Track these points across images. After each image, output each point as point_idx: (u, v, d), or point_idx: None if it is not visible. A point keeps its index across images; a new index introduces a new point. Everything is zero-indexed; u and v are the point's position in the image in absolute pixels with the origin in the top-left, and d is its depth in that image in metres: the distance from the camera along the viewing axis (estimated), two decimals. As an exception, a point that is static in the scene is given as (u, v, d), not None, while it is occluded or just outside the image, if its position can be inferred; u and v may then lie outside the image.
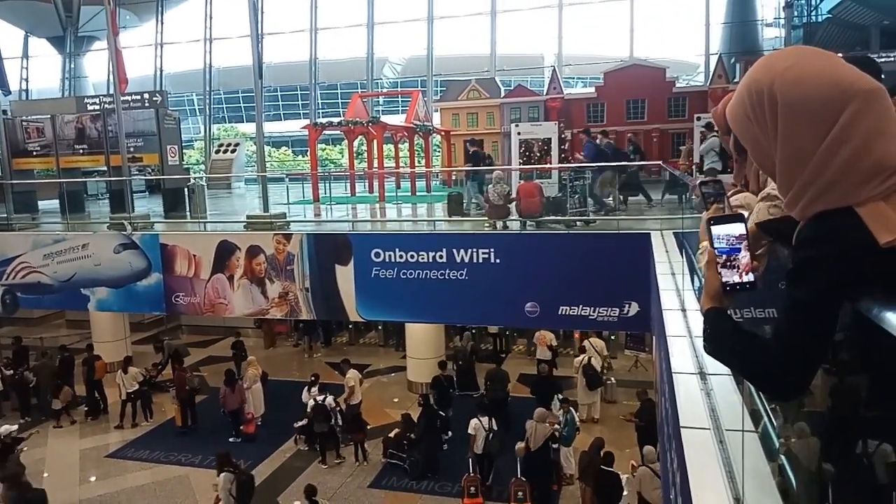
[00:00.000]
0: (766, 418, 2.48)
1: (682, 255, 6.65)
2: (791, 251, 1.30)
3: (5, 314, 14.13)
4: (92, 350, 15.55)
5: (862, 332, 1.21)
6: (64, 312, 20.72)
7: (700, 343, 3.62)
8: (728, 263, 1.42)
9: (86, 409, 14.78)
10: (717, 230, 1.44)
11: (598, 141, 13.20)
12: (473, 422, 11.22)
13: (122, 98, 15.19)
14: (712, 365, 3.24)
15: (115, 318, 17.07)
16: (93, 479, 11.88)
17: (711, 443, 2.54)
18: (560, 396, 12.34)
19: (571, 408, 11.70)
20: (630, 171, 13.06)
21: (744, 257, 1.41)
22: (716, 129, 13.41)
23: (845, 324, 1.24)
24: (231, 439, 13.10)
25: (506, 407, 13.16)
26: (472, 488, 10.38)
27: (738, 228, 1.43)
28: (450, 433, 12.32)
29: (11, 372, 15.10)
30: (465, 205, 12.48)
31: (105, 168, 16.47)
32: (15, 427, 10.66)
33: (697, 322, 4.17)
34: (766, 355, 1.30)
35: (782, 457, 2.27)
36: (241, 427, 13.36)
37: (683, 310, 4.59)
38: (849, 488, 1.83)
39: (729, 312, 1.46)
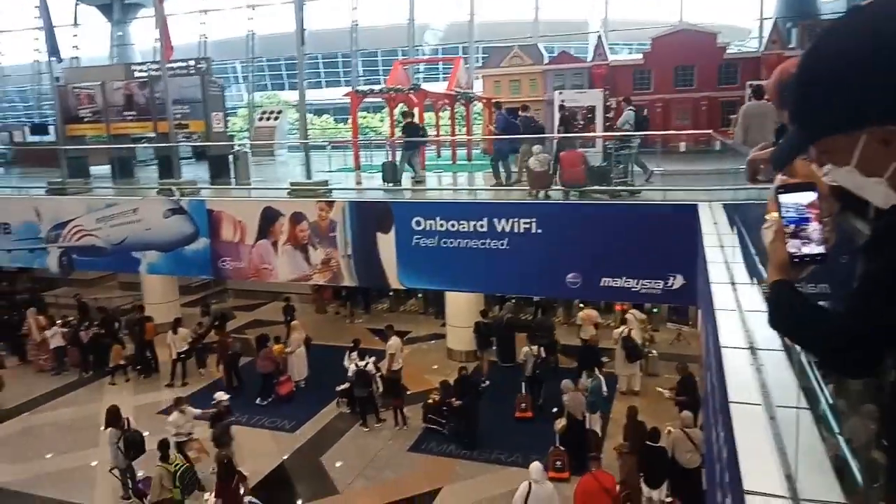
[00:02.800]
0: (822, 395, 2.42)
1: (731, 227, 6.49)
2: (870, 221, 1.25)
3: (62, 275, 14.74)
4: (143, 311, 16.10)
5: None
6: (116, 274, 21.47)
7: (751, 316, 3.57)
8: (797, 234, 1.37)
9: (138, 367, 15.40)
10: (785, 199, 1.39)
11: (522, 114, 13.43)
12: (524, 349, 13.09)
13: (167, 65, 15.43)
14: (763, 340, 3.17)
15: (166, 280, 17.63)
16: (146, 433, 12.39)
17: (762, 419, 2.49)
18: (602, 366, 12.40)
19: (599, 375, 11.67)
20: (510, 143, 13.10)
21: (814, 228, 1.36)
22: (633, 105, 12.83)
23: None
24: (258, 401, 13.51)
25: (554, 350, 14.01)
26: (559, 462, 10.31)
27: (808, 197, 1.37)
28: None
29: (74, 329, 15.84)
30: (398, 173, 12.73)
31: (153, 134, 16.84)
32: (227, 396, 10.93)
33: (747, 296, 4.10)
34: (839, 329, 1.26)
35: (839, 436, 2.22)
36: (276, 389, 13.71)
37: (733, 283, 4.49)
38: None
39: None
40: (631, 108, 13.75)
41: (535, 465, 8.41)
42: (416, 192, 12.84)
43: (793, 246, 1.37)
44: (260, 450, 11.73)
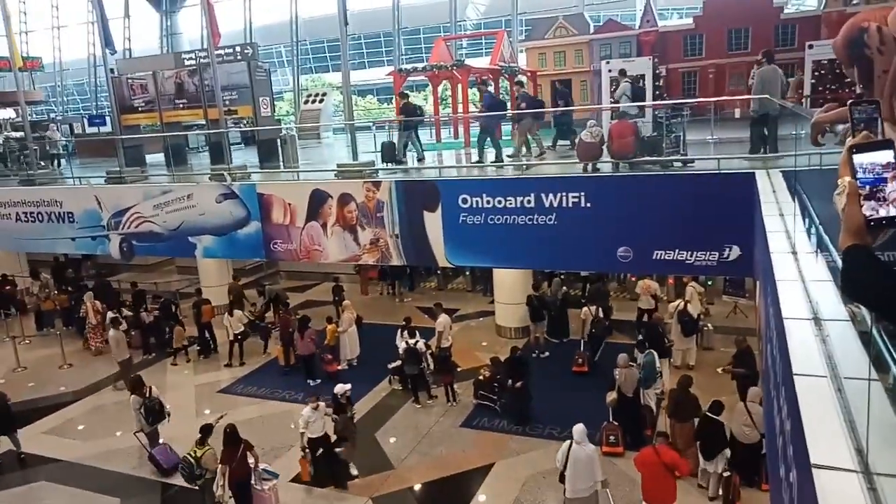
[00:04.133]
0: (894, 366, 2.30)
1: (792, 194, 6.23)
2: None
3: (123, 260, 15.30)
4: (200, 294, 16.65)
5: None
6: (174, 259, 22.23)
7: (814, 287, 3.43)
8: (873, 195, 1.28)
9: (198, 348, 15.97)
10: (860, 159, 1.30)
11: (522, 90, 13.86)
12: (584, 309, 14.35)
13: (215, 52, 15.69)
14: (827, 310, 3.05)
15: (220, 263, 18.16)
16: (207, 411, 12.91)
17: (828, 391, 2.40)
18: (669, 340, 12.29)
19: (652, 350, 11.48)
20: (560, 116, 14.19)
21: (892, 189, 1.27)
22: (628, 77, 12.67)
23: None
24: (309, 381, 13.81)
25: (609, 313, 14.62)
26: (612, 437, 10.34)
27: (885, 156, 1.29)
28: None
29: (132, 313, 16.51)
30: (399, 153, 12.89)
31: (203, 121, 17.22)
32: (348, 386, 10.67)
33: (809, 265, 3.93)
34: None
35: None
36: (324, 368, 14.02)
37: (794, 253, 4.32)
38: None
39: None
40: (627, 79, 14.15)
41: (578, 427, 8.45)
42: (460, 169, 12.79)
43: (868, 208, 1.29)
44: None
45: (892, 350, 2.37)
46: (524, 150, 12.50)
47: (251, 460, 9.28)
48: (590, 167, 10.45)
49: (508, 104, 15.72)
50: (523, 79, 17.67)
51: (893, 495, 1.76)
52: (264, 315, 16.38)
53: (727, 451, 9.10)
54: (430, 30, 35.53)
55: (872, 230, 1.30)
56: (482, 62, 22.53)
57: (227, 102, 15.98)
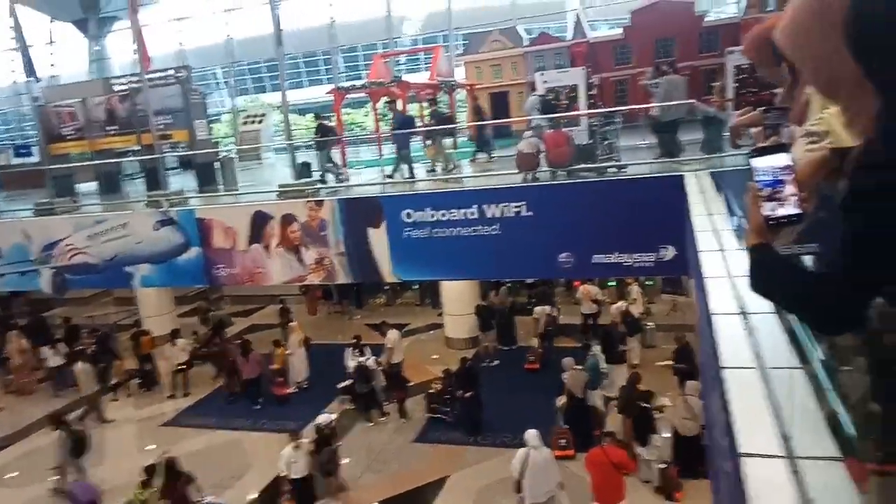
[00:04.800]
0: (814, 354, 2.42)
1: (719, 195, 6.49)
2: (848, 177, 1.23)
3: (57, 295, 14.68)
4: (140, 325, 16.06)
5: None
6: (111, 290, 21.40)
7: (740, 282, 3.58)
8: (772, 196, 1.36)
9: (139, 381, 15.38)
10: (757, 163, 1.38)
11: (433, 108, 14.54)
12: (538, 308, 14.90)
13: (147, 76, 15.31)
14: (753, 304, 3.18)
15: (161, 292, 17.57)
16: (152, 446, 12.42)
17: (756, 382, 2.50)
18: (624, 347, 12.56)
19: (597, 353, 11.76)
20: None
21: (789, 189, 1.35)
22: (536, 91, 13.45)
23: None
24: (255, 407, 13.57)
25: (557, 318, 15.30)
26: (563, 441, 10.44)
27: (781, 159, 1.36)
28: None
29: (68, 350, 15.79)
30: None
31: (137, 147, 16.72)
32: (334, 416, 10.37)
33: (736, 262, 4.10)
34: (820, 287, 1.25)
35: (832, 393, 2.22)
36: (272, 390, 13.74)
37: (721, 250, 4.50)
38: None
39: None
40: (535, 94, 14.86)
41: (531, 432, 8.56)
42: (406, 185, 12.83)
43: (768, 209, 1.36)
44: (266, 453, 11.74)
45: (811, 338, 2.50)
46: (442, 164, 12.86)
47: (193, 493, 8.98)
48: (529, 177, 10.64)
49: (418, 121, 16.03)
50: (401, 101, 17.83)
51: (814, 477, 1.84)
52: (209, 343, 15.92)
53: (657, 438, 9.58)
54: (368, 47, 35.60)
55: (773, 228, 1.37)
56: (421, 77, 22.71)
57: (161, 127, 15.57)
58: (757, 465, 1.99)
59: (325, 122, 14.32)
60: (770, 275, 1.39)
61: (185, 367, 14.77)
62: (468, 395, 11.55)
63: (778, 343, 2.72)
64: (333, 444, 10.09)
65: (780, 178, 1.36)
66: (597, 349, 11.87)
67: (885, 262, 1.14)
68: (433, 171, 12.91)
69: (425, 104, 15.52)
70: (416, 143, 13.78)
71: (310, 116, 40.84)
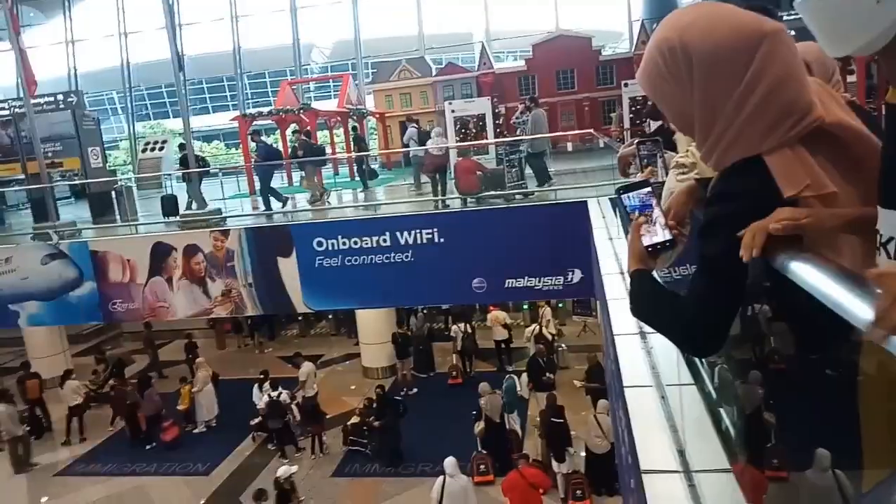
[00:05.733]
0: (704, 371, 2.57)
1: (616, 218, 6.81)
2: (704, 206, 1.34)
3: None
4: (28, 367, 14.84)
5: (776, 282, 1.25)
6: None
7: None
8: (645, 222, 1.46)
9: (27, 428, 14.12)
10: (626, 198, 1.48)
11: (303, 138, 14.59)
12: (453, 327, 15.38)
13: (33, 101, 14.39)
14: (651, 324, 3.34)
15: (52, 331, 16.29)
16: (44, 499, 11.44)
17: (653, 399, 2.60)
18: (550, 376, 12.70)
19: (513, 375, 11.96)
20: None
21: (658, 219, 1.45)
22: (413, 120, 14.86)
23: (759, 274, 1.27)
24: (147, 447, 12.85)
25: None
26: (482, 466, 10.42)
27: (645, 193, 1.48)
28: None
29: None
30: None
31: (22, 176, 15.61)
32: (294, 468, 9.52)
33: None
34: (680, 312, 1.32)
35: (720, 408, 2.36)
36: (160, 435, 12.98)
37: (622, 273, 4.71)
38: (786, 431, 1.91)
39: (654, 273, 1.49)
40: (413, 125, 15.90)
41: (449, 460, 8.62)
42: (316, 213, 12.66)
43: (644, 237, 1.46)
44: (174, 499, 11.10)
45: (699, 359, 2.66)
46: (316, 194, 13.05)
47: None
48: (437, 177, 10.76)
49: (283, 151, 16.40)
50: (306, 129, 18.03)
51: (709, 489, 1.94)
52: (106, 383, 14.90)
53: (572, 450, 9.87)
54: (275, 73, 35.08)
55: (652, 255, 1.47)
56: (330, 105, 22.61)
57: (50, 154, 14.65)
58: (657, 481, 2.07)
59: (199, 153, 14.23)
60: (643, 299, 1.48)
61: (78, 409, 13.71)
62: (380, 423, 11.41)
63: (673, 361, 2.86)
64: (294, 500, 9.44)
65: (648, 202, 1.46)
66: (515, 376, 12.07)
67: (732, 286, 1.24)
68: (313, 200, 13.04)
69: (294, 135, 15.68)
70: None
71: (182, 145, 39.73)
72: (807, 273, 0.92)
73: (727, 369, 2.54)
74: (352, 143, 17.97)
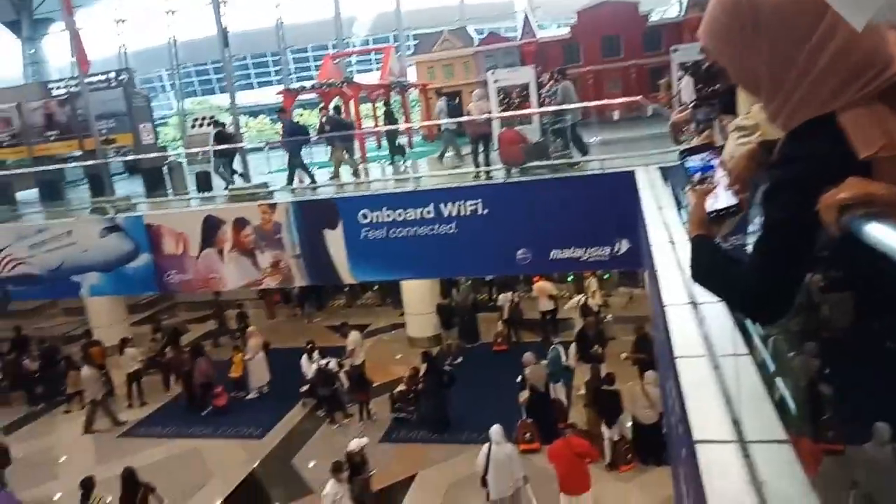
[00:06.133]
0: (758, 341, 2.52)
1: (668, 188, 6.67)
2: (768, 170, 1.29)
3: (-1, 308, 14.09)
4: (90, 336, 15.55)
5: (846, 247, 1.21)
6: (58, 301, 20.63)
7: (689, 274, 3.69)
8: (703, 182, 1.43)
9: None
10: (689, 162, 1.45)
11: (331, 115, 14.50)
12: (502, 296, 15.52)
13: (86, 80, 14.81)
14: (703, 294, 3.28)
15: (111, 301, 17.02)
16: (109, 459, 12.07)
17: (706, 369, 2.58)
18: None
19: (558, 346, 11.97)
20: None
21: (723, 184, 1.42)
22: (443, 94, 14.61)
23: (828, 241, 1.23)
24: (203, 412, 13.33)
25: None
26: (528, 434, 10.50)
27: (710, 157, 1.44)
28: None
29: (14, 357, 15.20)
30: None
31: (79, 153, 16.17)
32: (364, 440, 9.25)
33: (686, 253, 4.23)
34: (745, 279, 1.29)
35: (776, 379, 2.32)
36: (212, 401, 13.44)
37: (672, 242, 4.62)
38: (842, 404, 1.87)
39: (717, 240, 1.46)
40: (442, 98, 15.71)
41: (495, 428, 8.65)
42: (360, 186, 12.79)
43: (708, 202, 1.43)
44: (229, 460, 11.55)
45: (756, 326, 2.61)
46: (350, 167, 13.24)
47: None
48: (480, 147, 10.79)
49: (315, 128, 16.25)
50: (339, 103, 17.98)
51: (765, 460, 1.92)
52: (163, 352, 15.50)
53: (625, 419, 9.90)
54: (318, 48, 35.22)
55: (714, 221, 1.43)
56: (372, 78, 22.60)
57: (104, 131, 15.10)
58: (710, 451, 2.06)
59: (224, 129, 14.42)
60: (705, 266, 1.45)
61: (137, 375, 14.35)
62: (422, 386, 11.65)
63: (727, 331, 2.81)
64: (365, 473, 9.21)
65: (710, 163, 1.43)
66: (560, 347, 12.05)
67: (798, 252, 1.20)
68: (335, 176, 13.21)
69: (321, 111, 15.84)
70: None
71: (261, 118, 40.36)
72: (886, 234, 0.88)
73: (783, 340, 2.49)
74: (383, 117, 17.98)
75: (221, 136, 13.72)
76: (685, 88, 12.98)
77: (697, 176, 1.44)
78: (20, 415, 14.58)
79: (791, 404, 2.17)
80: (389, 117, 17.36)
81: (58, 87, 17.17)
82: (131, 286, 12.64)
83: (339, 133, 13.29)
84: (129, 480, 8.70)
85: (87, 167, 15.89)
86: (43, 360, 15.30)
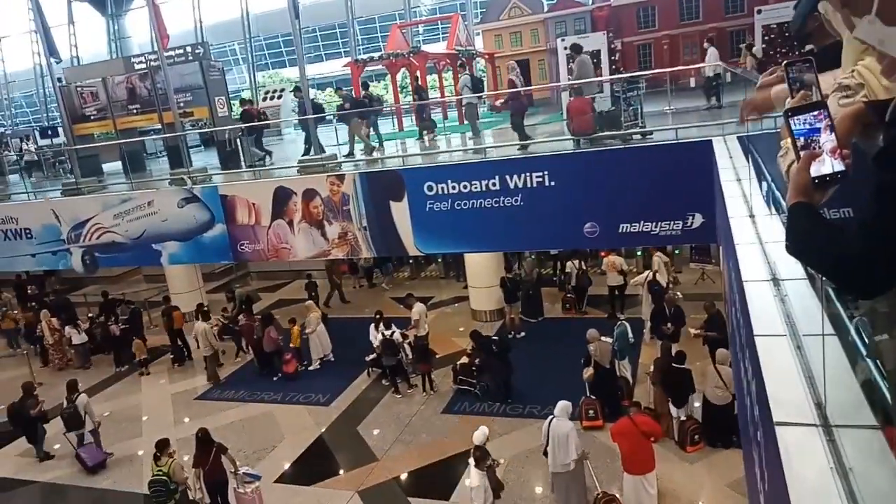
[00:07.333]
0: (848, 320, 2.36)
1: (747, 159, 6.33)
2: (883, 129, 1.16)
3: (87, 273, 14.94)
4: (169, 301, 16.38)
5: None
6: (140, 268, 21.80)
7: (772, 249, 3.49)
8: (807, 146, 1.30)
9: (171, 356, 15.71)
10: (796, 121, 1.32)
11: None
12: (570, 263, 15.89)
13: (165, 54, 15.32)
14: (785, 270, 3.10)
15: (189, 269, 17.86)
16: (186, 419, 12.75)
17: (788, 349, 2.44)
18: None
19: (625, 322, 11.72)
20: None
21: (828, 142, 1.29)
22: (468, 71, 13.83)
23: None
24: (274, 378, 13.91)
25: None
26: (591, 411, 10.45)
27: (819, 116, 1.30)
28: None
29: (103, 319, 16.20)
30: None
31: (159, 126, 16.83)
32: (485, 430, 8.84)
33: (767, 228, 4.00)
34: (850, 247, 1.18)
35: (868, 360, 2.16)
36: (282, 368, 13.97)
37: (752, 216, 4.39)
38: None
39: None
40: (467, 73, 15.54)
41: (561, 403, 8.62)
42: (427, 157, 12.78)
43: (813, 167, 1.31)
44: (298, 425, 11.99)
45: (846, 304, 2.43)
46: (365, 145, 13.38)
47: (226, 463, 9.20)
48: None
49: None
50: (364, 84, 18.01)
51: (850, 445, 1.80)
52: (237, 319, 16.17)
53: (694, 399, 9.71)
54: (385, 18, 35.19)
55: (818, 188, 1.31)
56: (439, 47, 22.41)
57: (181, 105, 15.64)
58: (792, 434, 1.96)
59: (249, 108, 14.61)
60: (805, 234, 1.33)
61: (214, 357, 14.91)
62: (480, 361, 11.72)
63: (810, 310, 2.66)
64: (489, 461, 8.65)
65: (815, 126, 1.31)
66: (626, 323, 11.80)
67: None
68: (350, 153, 13.41)
69: (337, 91, 15.97)
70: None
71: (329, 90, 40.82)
72: None
73: (876, 320, 2.31)
74: (412, 92, 17.85)
75: (246, 117, 14.20)
76: (710, 59, 12.75)
77: (802, 140, 1.31)
78: (107, 375, 15.54)
79: (884, 389, 2.02)
80: (419, 93, 17.01)
81: (140, 62, 17.85)
82: (207, 255, 13.15)
83: (358, 111, 13.59)
84: (203, 441, 9.14)
85: (166, 139, 16.53)
86: (127, 324, 16.23)
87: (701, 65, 11.55)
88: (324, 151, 12.84)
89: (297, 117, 13.96)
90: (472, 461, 8.42)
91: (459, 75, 15.99)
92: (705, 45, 14.81)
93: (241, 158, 14.85)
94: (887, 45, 1.15)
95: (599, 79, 11.49)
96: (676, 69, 11.95)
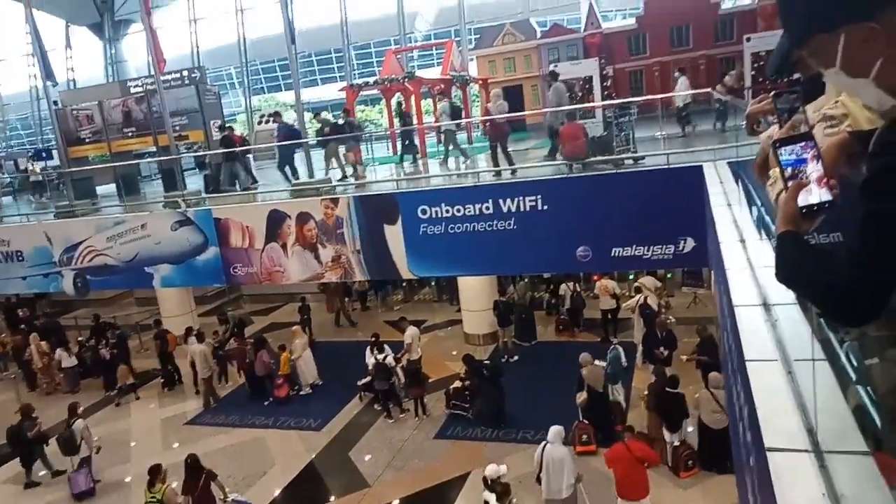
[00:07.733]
0: (839, 346, 2.37)
1: (738, 184, 6.39)
2: (867, 159, 1.19)
3: (78, 296, 14.88)
4: (160, 325, 16.25)
5: None
6: (132, 291, 21.64)
7: (762, 273, 3.52)
8: (794, 176, 1.33)
9: (161, 381, 15.54)
10: (784, 152, 1.35)
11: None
12: (563, 286, 16.06)
13: (162, 78, 15.44)
14: (776, 295, 3.12)
15: (181, 292, 17.76)
16: (175, 445, 12.57)
17: (779, 374, 2.45)
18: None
19: (618, 346, 11.71)
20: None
21: (815, 172, 1.31)
22: (447, 98, 14.20)
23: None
24: (265, 403, 13.76)
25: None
26: (585, 436, 10.38)
27: (807, 147, 1.33)
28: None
29: (93, 343, 16.06)
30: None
31: (154, 149, 16.90)
32: (503, 469, 8.47)
33: (757, 253, 4.04)
34: (839, 274, 1.20)
35: (858, 385, 2.17)
36: (273, 392, 13.84)
37: (742, 241, 4.43)
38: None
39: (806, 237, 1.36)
40: (446, 99, 16.13)
41: (554, 428, 8.56)
42: (418, 181, 12.85)
43: (801, 197, 1.33)
44: (289, 450, 11.85)
45: (836, 329, 2.45)
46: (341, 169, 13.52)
47: (216, 490, 9.06)
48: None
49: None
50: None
51: (842, 471, 1.80)
52: (225, 343, 16.04)
53: (687, 424, 9.66)
54: (380, 43, 35.59)
55: (806, 217, 1.33)
56: (434, 73, 22.65)
57: (177, 128, 15.73)
58: (783, 459, 1.96)
59: (230, 133, 14.67)
60: (793, 263, 1.35)
61: (209, 380, 14.77)
62: (471, 383, 11.63)
63: (801, 335, 2.67)
64: (507, 501, 8.37)
65: (802, 157, 1.34)
66: (619, 347, 11.78)
67: None
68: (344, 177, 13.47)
69: (315, 117, 16.20)
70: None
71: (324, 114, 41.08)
72: None
73: (865, 345, 2.33)
74: (395, 118, 18.08)
75: (226, 142, 14.24)
76: (679, 88, 13.06)
77: (789, 170, 1.33)
78: (96, 399, 15.35)
79: (874, 414, 2.02)
80: (403, 118, 17.21)
81: (136, 86, 17.97)
82: (200, 278, 13.12)
83: (336, 137, 13.67)
84: (193, 467, 9.02)
85: (161, 162, 16.59)
86: (115, 348, 16.05)
87: (672, 94, 11.82)
88: (312, 176, 12.97)
89: (276, 143, 14.06)
90: (489, 495, 8.19)
91: (438, 102, 16.26)
92: (676, 73, 15.11)
93: (220, 182, 14.87)
94: (857, 94, 1.20)
95: (572, 107, 12.01)
96: (648, 98, 12.13)
